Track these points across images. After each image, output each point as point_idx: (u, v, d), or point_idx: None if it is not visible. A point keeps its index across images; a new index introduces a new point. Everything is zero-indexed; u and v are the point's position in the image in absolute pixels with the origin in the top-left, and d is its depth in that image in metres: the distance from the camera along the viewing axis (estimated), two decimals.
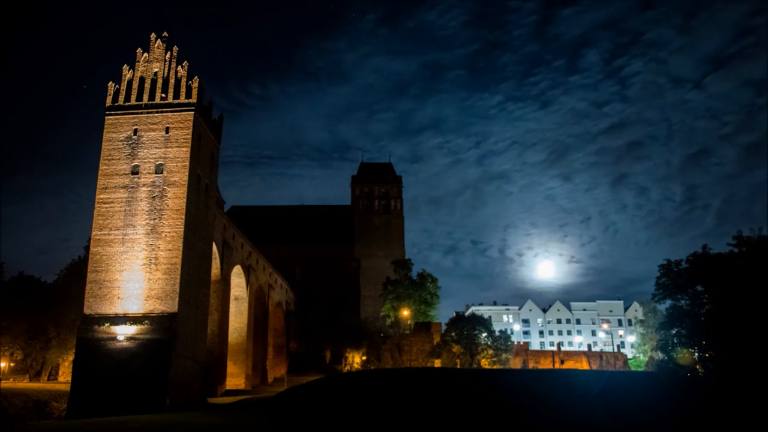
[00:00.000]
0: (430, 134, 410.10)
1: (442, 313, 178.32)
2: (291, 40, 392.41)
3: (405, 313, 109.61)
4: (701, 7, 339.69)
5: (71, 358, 72.29)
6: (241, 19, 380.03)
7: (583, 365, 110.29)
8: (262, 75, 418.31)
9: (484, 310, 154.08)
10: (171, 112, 69.41)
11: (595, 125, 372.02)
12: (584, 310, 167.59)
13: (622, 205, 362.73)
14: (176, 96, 69.96)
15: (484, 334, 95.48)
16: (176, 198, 66.42)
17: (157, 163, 67.65)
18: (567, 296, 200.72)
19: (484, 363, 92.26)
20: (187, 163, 67.44)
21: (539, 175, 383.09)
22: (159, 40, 73.05)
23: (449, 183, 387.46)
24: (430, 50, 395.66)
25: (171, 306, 63.22)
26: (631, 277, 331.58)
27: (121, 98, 70.24)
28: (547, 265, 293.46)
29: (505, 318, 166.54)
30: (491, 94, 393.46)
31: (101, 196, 67.22)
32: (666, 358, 56.06)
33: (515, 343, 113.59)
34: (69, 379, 67.83)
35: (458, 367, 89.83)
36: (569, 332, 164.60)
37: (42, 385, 76.90)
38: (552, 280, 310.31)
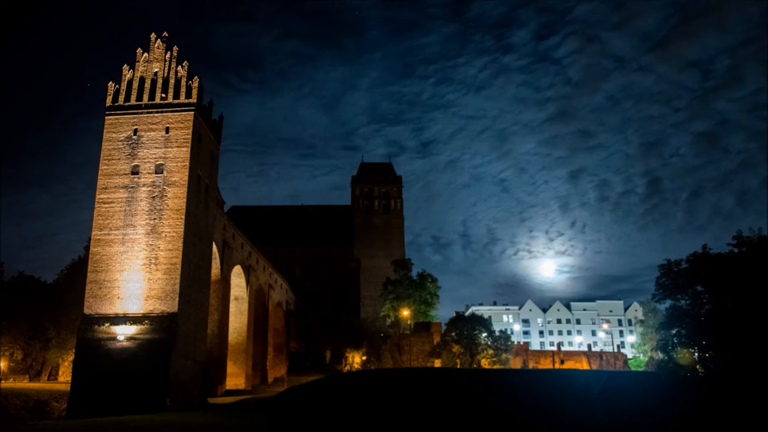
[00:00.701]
0: (362, 121, 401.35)
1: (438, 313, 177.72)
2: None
3: (405, 313, 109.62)
4: None
5: (71, 358, 72.27)
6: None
7: (583, 365, 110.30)
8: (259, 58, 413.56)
9: (484, 310, 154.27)
10: (171, 112, 69.42)
11: (541, 110, 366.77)
12: (584, 310, 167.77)
13: (584, 198, 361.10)
14: (176, 96, 69.96)
15: (484, 334, 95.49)
16: (176, 198, 66.42)
17: (157, 163, 67.66)
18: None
19: (484, 363, 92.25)
20: (187, 163, 67.45)
21: (490, 165, 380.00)
22: (159, 40, 73.07)
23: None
24: (342, 33, 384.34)
25: (171, 306, 63.21)
26: (611, 273, 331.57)
27: (121, 98, 70.24)
28: (524, 262, 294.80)
29: (505, 318, 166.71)
30: (419, 78, 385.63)
31: (101, 196, 67.22)
32: (666, 358, 55.98)
33: (515, 343, 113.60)
34: (69, 379, 67.83)
35: (458, 367, 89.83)
36: (569, 332, 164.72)
37: (42, 385, 76.88)
38: (530, 277, 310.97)
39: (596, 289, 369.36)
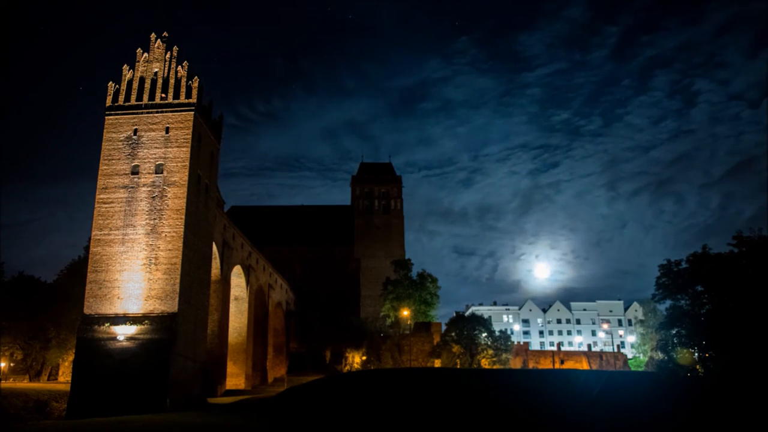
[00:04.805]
0: (495, 147, 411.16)
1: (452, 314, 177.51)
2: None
3: (405, 313, 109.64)
4: None
5: (71, 358, 72.29)
6: (244, 33, 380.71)
7: (583, 365, 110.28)
8: (266, 90, 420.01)
9: (484, 310, 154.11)
10: (171, 112, 69.39)
11: (648, 140, 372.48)
12: (584, 310, 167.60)
13: (659, 212, 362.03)
14: (176, 96, 69.92)
15: (484, 334, 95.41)
16: (176, 198, 66.40)
17: (157, 163, 67.64)
18: (584, 297, 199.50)
19: (484, 363, 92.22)
20: (187, 163, 67.43)
21: (587, 184, 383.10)
22: (159, 40, 73.03)
23: (502, 192, 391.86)
24: (513, 69, 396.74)
25: (171, 306, 63.20)
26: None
27: (121, 98, 70.21)
28: (572, 269, 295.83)
29: (505, 318, 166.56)
30: (562, 110, 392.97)
31: (101, 196, 67.21)
32: (666, 358, 56.03)
33: (515, 343, 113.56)
34: (69, 379, 67.84)
35: (458, 367, 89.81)
36: (569, 332, 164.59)
37: (42, 385, 76.89)
38: (575, 283, 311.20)
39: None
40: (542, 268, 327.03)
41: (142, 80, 71.15)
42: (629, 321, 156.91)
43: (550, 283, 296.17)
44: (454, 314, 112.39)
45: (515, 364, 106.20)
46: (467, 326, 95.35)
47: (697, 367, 54.29)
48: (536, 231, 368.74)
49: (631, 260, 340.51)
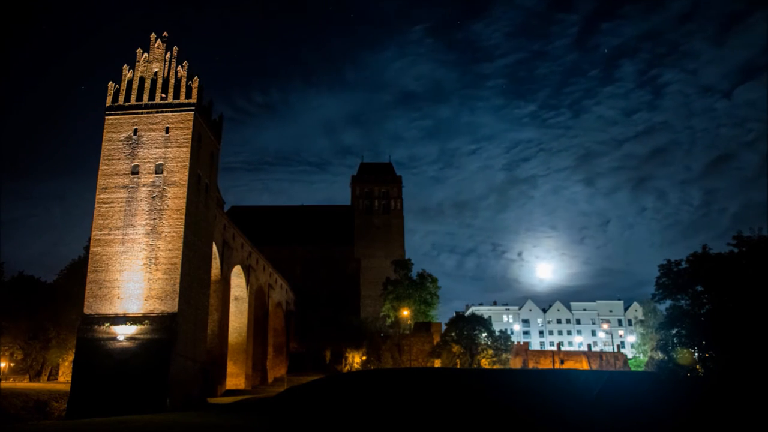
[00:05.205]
0: (463, 141, 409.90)
1: (449, 314, 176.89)
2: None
3: (405, 313, 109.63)
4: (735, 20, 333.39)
5: (71, 358, 72.28)
6: (244, 25, 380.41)
7: (583, 365, 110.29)
8: (265, 82, 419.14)
9: (484, 310, 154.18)
10: (171, 112, 69.38)
11: (622, 133, 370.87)
12: (584, 310, 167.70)
13: (641, 209, 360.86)
14: (176, 96, 69.92)
15: (484, 334, 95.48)
16: (176, 198, 66.40)
17: (157, 163, 67.64)
18: (573, 297, 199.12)
19: (484, 363, 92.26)
20: (187, 163, 67.42)
21: (564, 180, 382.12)
22: (159, 40, 73.02)
23: (476, 187, 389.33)
24: (472, 60, 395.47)
25: (171, 306, 63.20)
26: (644, 279, 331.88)
27: (121, 98, 70.20)
28: (559, 267, 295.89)
29: (505, 318, 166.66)
30: (527, 102, 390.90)
31: (101, 196, 67.22)
32: (666, 358, 56.06)
33: (515, 343, 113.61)
34: (69, 379, 67.85)
35: (458, 367, 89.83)
36: (569, 332, 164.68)
37: (42, 385, 76.89)
38: (563, 282, 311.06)
39: (625, 291, 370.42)
40: (528, 266, 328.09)
41: (142, 80, 71.14)
42: (629, 321, 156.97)
43: (539, 281, 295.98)
44: (454, 314, 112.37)
45: (515, 364, 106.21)
46: (467, 326, 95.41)
47: (697, 367, 54.32)
48: (516, 228, 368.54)
49: (618, 258, 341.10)
